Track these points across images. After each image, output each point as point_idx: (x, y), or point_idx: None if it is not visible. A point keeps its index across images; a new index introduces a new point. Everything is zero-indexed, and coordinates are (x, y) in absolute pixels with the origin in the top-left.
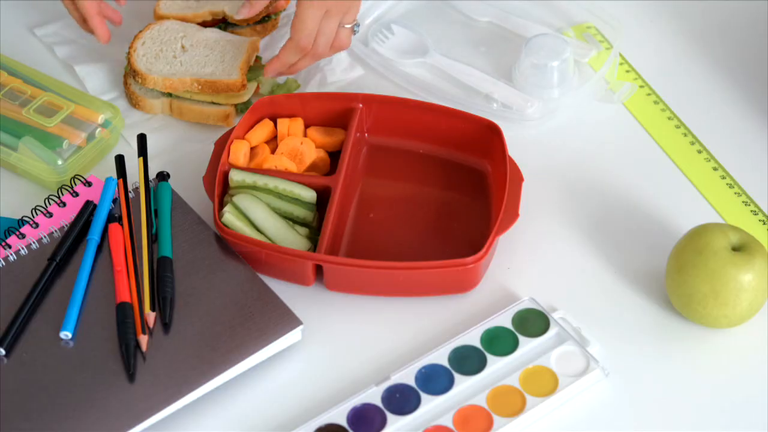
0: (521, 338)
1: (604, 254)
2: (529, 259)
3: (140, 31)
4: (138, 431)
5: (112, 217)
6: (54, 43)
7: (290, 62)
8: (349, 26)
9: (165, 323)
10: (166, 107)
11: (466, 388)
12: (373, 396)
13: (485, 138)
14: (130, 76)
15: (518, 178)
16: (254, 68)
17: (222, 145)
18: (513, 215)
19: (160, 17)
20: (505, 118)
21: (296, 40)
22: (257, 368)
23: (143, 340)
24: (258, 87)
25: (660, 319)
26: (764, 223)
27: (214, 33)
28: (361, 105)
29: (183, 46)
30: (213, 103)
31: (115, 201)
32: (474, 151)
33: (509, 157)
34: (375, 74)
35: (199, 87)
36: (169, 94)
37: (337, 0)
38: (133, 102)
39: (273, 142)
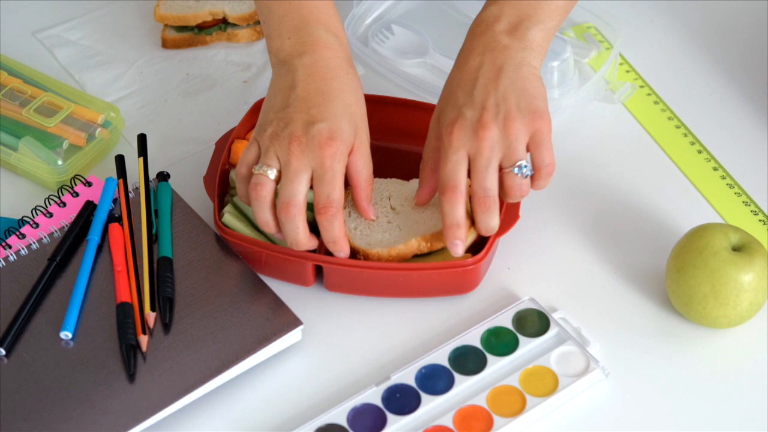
0: (521, 338)
1: (604, 254)
2: (529, 259)
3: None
4: (138, 431)
5: (112, 217)
6: (54, 46)
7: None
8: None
9: (165, 323)
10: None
11: (466, 388)
12: (373, 396)
13: None
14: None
15: None
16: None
17: (222, 146)
18: (513, 216)
19: (160, 18)
20: None
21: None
22: (257, 368)
23: (143, 340)
24: (477, 237)
25: (660, 319)
26: (764, 223)
27: (414, 184)
28: None
29: (393, 207)
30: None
31: (115, 201)
32: None
33: None
34: (375, 74)
35: (428, 245)
36: None
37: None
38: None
39: None
